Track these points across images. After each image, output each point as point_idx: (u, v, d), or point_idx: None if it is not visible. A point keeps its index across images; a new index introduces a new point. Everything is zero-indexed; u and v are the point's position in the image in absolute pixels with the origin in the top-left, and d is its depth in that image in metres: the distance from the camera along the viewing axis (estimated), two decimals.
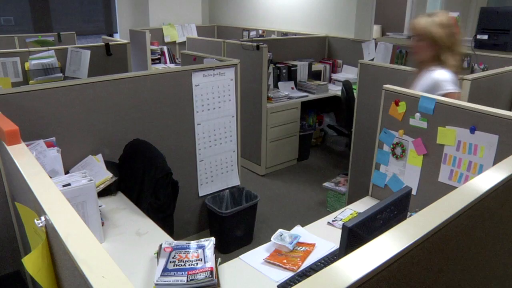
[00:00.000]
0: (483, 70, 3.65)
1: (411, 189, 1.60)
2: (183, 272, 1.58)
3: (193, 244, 1.74)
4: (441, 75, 2.30)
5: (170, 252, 1.70)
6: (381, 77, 3.04)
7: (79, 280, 0.79)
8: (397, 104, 2.15)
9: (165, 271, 1.60)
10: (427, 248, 0.90)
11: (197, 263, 1.63)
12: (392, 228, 0.89)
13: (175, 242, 1.76)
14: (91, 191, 1.84)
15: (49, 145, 2.18)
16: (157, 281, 1.56)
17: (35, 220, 1.00)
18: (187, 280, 1.55)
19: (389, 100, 2.18)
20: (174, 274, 1.58)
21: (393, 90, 2.17)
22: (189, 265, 1.62)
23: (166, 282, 1.55)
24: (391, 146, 2.22)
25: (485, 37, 3.92)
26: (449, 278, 1.11)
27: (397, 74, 3.00)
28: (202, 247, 1.71)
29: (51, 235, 0.99)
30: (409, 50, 2.33)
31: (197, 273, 1.58)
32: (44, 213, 0.97)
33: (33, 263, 0.98)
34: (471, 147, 1.91)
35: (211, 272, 1.58)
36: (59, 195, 1.03)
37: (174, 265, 1.62)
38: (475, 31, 4.06)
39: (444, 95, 2.20)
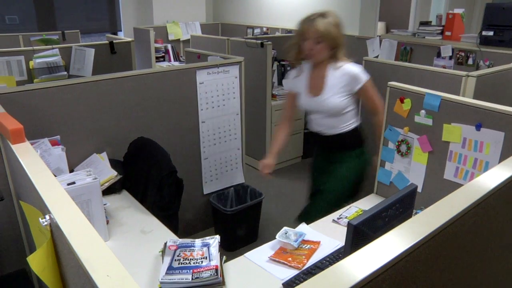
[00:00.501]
0: (488, 66, 3.62)
1: (416, 187, 1.59)
2: (188, 270, 1.58)
3: (198, 242, 1.74)
4: (354, 68, 2.34)
5: (175, 250, 1.70)
6: (386, 74, 3.02)
7: (84, 279, 0.79)
8: (402, 101, 2.14)
9: (170, 269, 1.60)
10: (434, 246, 0.89)
11: (202, 261, 1.63)
12: (398, 226, 0.88)
13: (180, 240, 1.76)
14: (96, 190, 1.85)
15: (54, 143, 2.19)
16: (162, 279, 1.56)
17: (40, 218, 1.00)
18: (192, 278, 1.55)
19: (394, 97, 2.17)
20: (179, 272, 1.58)
21: (398, 87, 2.16)
22: (194, 263, 1.62)
23: (171, 280, 1.55)
24: (396, 143, 2.21)
25: (491, 33, 3.87)
26: (456, 276, 1.10)
27: (402, 71, 2.98)
28: (207, 245, 1.71)
29: (55, 234, 0.99)
30: (307, 53, 2.32)
31: (202, 271, 1.57)
32: (48, 212, 0.97)
33: (38, 262, 0.98)
34: (477, 144, 1.90)
35: (216, 270, 1.57)
36: (64, 194, 1.03)
37: (179, 263, 1.62)
38: (480, 27, 4.02)
39: (365, 84, 2.32)
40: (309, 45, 2.27)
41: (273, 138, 2.60)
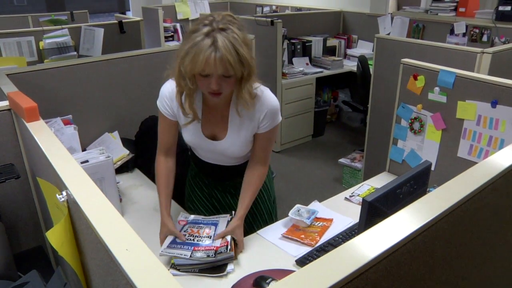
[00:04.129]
0: (504, 43, 3.56)
1: (431, 164, 1.58)
2: (189, 247, 1.58)
3: (208, 220, 1.74)
4: (275, 100, 1.69)
5: (184, 226, 1.71)
6: (398, 51, 2.98)
7: (103, 253, 0.80)
8: (415, 78, 2.11)
9: (173, 243, 1.61)
10: (451, 221, 0.88)
11: (204, 240, 1.62)
12: (415, 201, 0.88)
13: (192, 217, 1.77)
14: (109, 168, 1.86)
15: (66, 122, 2.20)
16: (162, 251, 1.58)
17: (57, 195, 1.01)
18: (190, 255, 1.54)
19: (407, 74, 2.14)
20: (180, 248, 1.58)
21: (412, 64, 2.13)
22: (197, 240, 1.62)
23: (170, 254, 1.57)
24: (409, 121, 2.19)
25: (508, 8, 3.78)
26: (473, 251, 1.10)
27: (415, 48, 2.94)
28: (215, 224, 1.71)
29: (73, 210, 1.00)
30: (210, 93, 1.53)
31: (200, 250, 1.56)
32: (65, 188, 0.98)
33: (56, 237, 1.00)
34: (492, 121, 1.88)
35: (215, 251, 1.56)
36: (80, 170, 1.04)
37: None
38: (497, 2, 3.92)
39: (277, 126, 1.73)
40: (214, 83, 1.47)
41: (159, 193, 1.82)
